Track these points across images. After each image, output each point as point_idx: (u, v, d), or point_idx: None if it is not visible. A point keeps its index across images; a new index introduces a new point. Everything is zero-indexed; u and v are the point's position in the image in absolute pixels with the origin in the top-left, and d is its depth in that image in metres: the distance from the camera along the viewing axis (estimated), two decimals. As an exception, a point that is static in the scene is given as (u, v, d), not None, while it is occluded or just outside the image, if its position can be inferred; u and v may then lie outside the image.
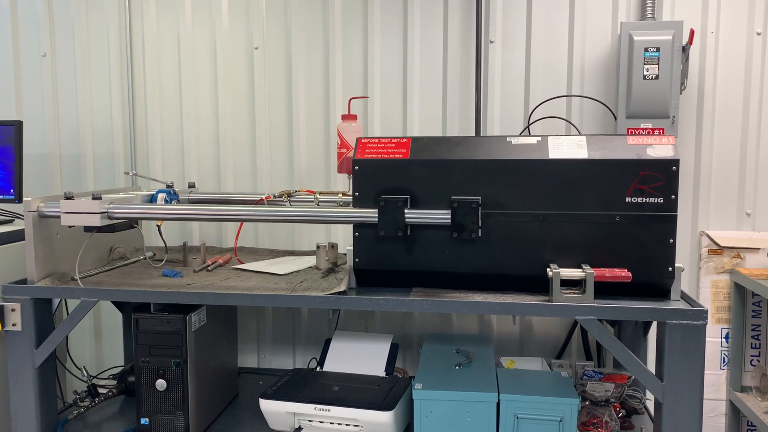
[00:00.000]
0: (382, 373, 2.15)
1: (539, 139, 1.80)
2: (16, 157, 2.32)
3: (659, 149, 1.72)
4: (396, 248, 1.82)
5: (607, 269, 1.70)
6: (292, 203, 2.21)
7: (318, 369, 2.22)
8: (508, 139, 1.82)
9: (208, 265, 2.16)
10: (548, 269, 1.71)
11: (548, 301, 1.70)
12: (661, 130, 2.22)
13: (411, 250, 1.82)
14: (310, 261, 2.25)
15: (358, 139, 1.89)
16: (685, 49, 2.21)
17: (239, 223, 2.49)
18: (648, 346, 2.09)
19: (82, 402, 2.17)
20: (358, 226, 1.84)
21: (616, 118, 2.31)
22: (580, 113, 2.46)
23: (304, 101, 2.62)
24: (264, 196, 2.20)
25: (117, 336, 2.74)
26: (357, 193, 1.84)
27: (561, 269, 1.70)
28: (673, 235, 1.71)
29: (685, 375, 1.65)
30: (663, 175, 1.69)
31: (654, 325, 1.91)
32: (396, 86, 2.56)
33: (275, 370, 2.60)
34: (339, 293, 1.80)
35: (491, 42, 2.49)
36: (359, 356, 2.21)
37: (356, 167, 1.84)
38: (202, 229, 2.72)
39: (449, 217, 1.76)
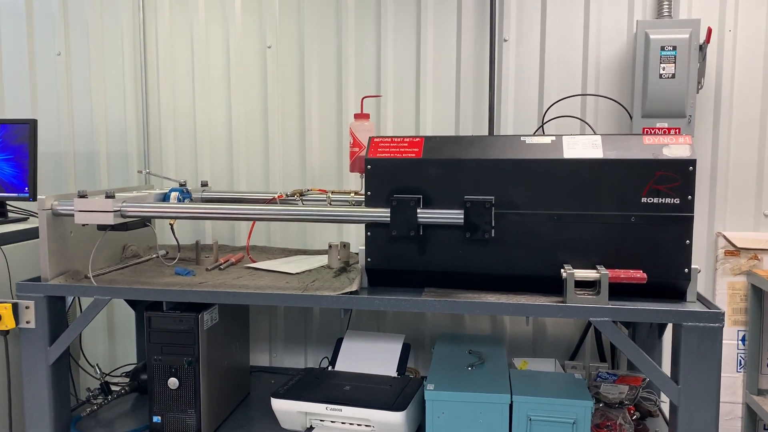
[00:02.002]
0: (394, 374, 2.14)
1: (554, 138, 1.78)
2: (30, 156, 2.34)
3: (675, 149, 1.70)
4: (408, 248, 1.81)
5: (622, 270, 1.67)
6: (304, 202, 2.21)
7: (330, 368, 2.22)
8: (522, 138, 1.80)
9: (221, 264, 2.16)
10: (562, 270, 1.69)
11: (562, 302, 1.69)
12: (677, 130, 2.19)
13: (423, 250, 1.81)
14: (322, 260, 2.25)
15: (370, 138, 1.89)
16: (702, 48, 2.18)
17: (252, 222, 2.49)
18: (663, 349, 2.06)
19: (95, 399, 2.19)
20: (371, 226, 1.83)
21: (631, 118, 2.28)
22: (594, 112, 2.44)
23: (316, 100, 2.62)
24: (276, 195, 2.20)
25: (130, 334, 2.76)
26: (369, 193, 1.83)
27: (575, 270, 1.68)
28: (690, 236, 1.68)
29: (702, 378, 1.63)
30: (679, 176, 1.67)
31: (669, 327, 1.89)
32: (409, 85, 2.55)
33: (287, 369, 2.60)
34: (351, 293, 1.79)
35: (505, 40, 2.47)
36: (371, 356, 2.21)
37: (369, 166, 1.83)
38: (214, 227, 2.72)
39: (462, 217, 1.75)
